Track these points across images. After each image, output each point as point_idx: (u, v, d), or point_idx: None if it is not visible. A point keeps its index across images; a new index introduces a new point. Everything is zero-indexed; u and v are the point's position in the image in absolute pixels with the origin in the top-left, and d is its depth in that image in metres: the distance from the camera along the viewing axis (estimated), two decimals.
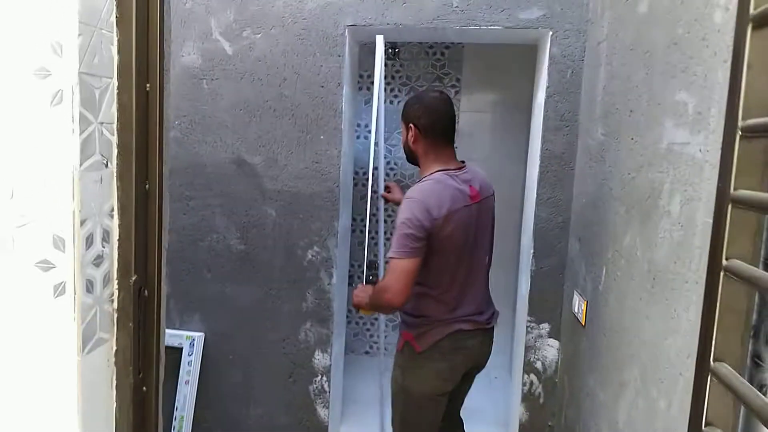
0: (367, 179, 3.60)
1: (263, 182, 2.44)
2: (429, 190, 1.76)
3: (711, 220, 1.07)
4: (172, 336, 2.50)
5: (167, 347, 2.50)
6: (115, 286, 1.03)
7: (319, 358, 2.49)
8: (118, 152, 1.00)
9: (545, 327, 2.36)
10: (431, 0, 2.27)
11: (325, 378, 2.50)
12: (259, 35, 2.38)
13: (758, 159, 0.76)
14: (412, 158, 1.95)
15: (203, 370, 2.53)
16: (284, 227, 2.45)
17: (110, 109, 0.98)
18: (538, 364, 2.38)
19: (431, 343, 1.85)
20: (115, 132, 0.99)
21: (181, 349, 2.50)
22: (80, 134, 0.91)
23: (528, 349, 2.38)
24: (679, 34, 1.32)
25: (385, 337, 3.74)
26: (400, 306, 1.74)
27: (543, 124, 2.29)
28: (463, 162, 1.91)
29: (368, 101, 3.56)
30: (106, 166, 0.98)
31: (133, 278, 1.04)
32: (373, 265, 3.62)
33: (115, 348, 1.05)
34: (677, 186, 1.27)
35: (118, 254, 1.02)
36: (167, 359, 2.54)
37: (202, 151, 2.46)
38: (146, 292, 1.08)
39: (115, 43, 0.98)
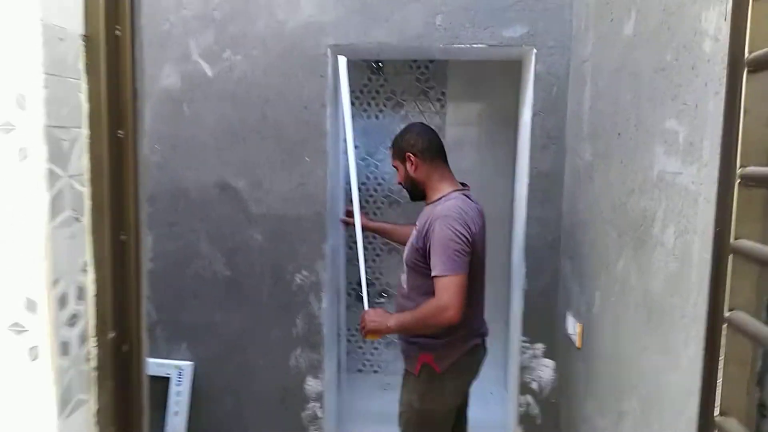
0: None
1: (248, 206, 2.39)
2: (460, 208, 1.82)
3: (708, 257, 1.05)
4: (159, 366, 2.44)
5: (155, 377, 2.45)
6: (93, 344, 0.98)
7: (311, 384, 2.44)
8: (92, 204, 0.95)
9: (540, 347, 2.32)
10: (414, 18, 2.24)
11: (317, 404, 2.45)
12: (240, 56, 2.33)
13: (759, 209, 0.73)
14: (416, 191, 2.02)
15: (193, 400, 2.47)
16: (271, 251, 2.40)
17: (81, 161, 0.93)
18: (534, 385, 2.34)
19: (451, 362, 1.90)
20: (87, 183, 0.94)
21: (169, 378, 2.44)
22: (49, 191, 0.86)
23: (523, 369, 2.34)
24: (666, 60, 1.30)
25: (379, 354, 3.70)
26: (458, 323, 1.75)
27: (530, 142, 2.26)
28: (463, 183, 2.00)
29: (353, 116, 3.51)
30: (78, 220, 0.93)
31: (111, 335, 0.99)
32: (368, 284, 3.58)
33: (96, 408, 1.00)
34: (671, 216, 1.24)
35: (95, 310, 0.97)
36: (155, 389, 2.48)
37: (184, 175, 2.41)
38: (126, 347, 1.03)
39: (84, 90, 0.93)
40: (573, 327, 2.02)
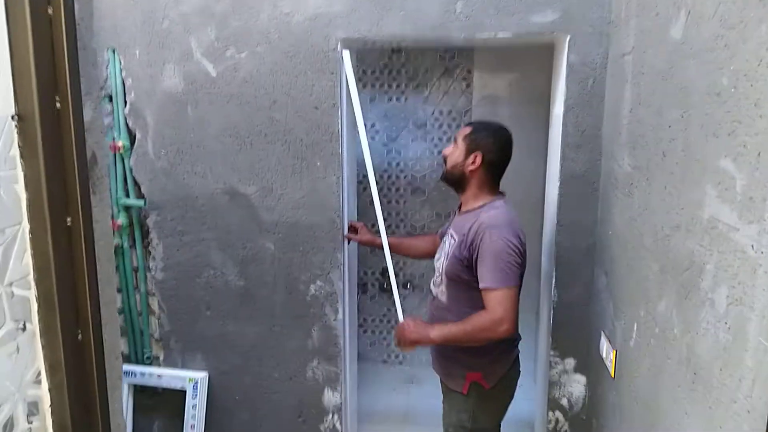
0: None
1: (259, 214, 2.27)
2: (510, 218, 1.76)
3: None
4: (173, 378, 2.39)
5: (170, 390, 2.40)
6: None
7: (329, 397, 2.36)
8: (39, 306, 0.83)
9: (570, 362, 2.17)
10: (432, 6, 2.02)
11: (336, 416, 2.37)
12: (244, 54, 2.16)
13: None
14: (455, 179, 1.88)
15: (209, 411, 2.42)
16: (284, 261, 2.28)
17: (21, 261, 0.80)
18: (564, 401, 2.20)
19: (499, 376, 1.85)
20: (33, 284, 0.82)
21: (185, 391, 2.38)
22: None
23: (552, 384, 2.20)
24: (722, 84, 1.08)
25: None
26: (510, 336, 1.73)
27: (562, 141, 2.05)
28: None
29: (373, 99, 3.33)
30: (24, 329, 0.81)
31: None
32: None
33: None
34: (723, 276, 1.06)
35: (53, 421, 0.87)
36: (171, 402, 2.44)
37: (191, 182, 2.29)
38: None
39: (21, 179, 0.79)
40: (607, 351, 1.85)
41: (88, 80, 0.90)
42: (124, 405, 2.45)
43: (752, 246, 0.95)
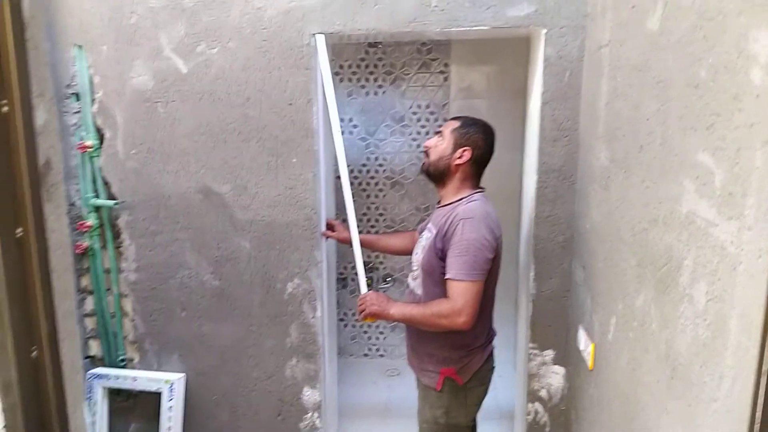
0: (353, 176, 3.36)
1: (234, 212, 2.21)
2: (486, 211, 1.75)
3: (750, 343, 0.86)
4: (149, 381, 2.33)
5: (146, 392, 2.35)
6: None
7: (309, 395, 2.32)
8: None
9: (549, 354, 2.16)
10: (407, 0, 1.98)
11: (316, 414, 2.34)
12: (215, 50, 2.10)
13: None
14: (441, 173, 1.85)
15: (187, 412, 2.38)
16: (260, 260, 2.24)
17: None
18: (543, 392, 2.20)
19: (473, 372, 1.84)
20: None
21: (161, 393, 2.33)
22: None
23: (531, 376, 2.19)
24: (701, 76, 1.07)
25: (384, 338, 3.59)
26: (468, 330, 1.71)
27: (539, 135, 2.03)
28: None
29: (350, 93, 3.28)
30: None
31: None
32: (367, 266, 3.43)
33: None
34: (702, 272, 1.04)
35: None
36: (148, 404, 2.38)
37: (163, 181, 2.23)
38: None
39: None
40: (585, 343, 1.85)
41: (41, 81, 0.85)
42: (98, 409, 2.40)
43: (731, 242, 0.94)
